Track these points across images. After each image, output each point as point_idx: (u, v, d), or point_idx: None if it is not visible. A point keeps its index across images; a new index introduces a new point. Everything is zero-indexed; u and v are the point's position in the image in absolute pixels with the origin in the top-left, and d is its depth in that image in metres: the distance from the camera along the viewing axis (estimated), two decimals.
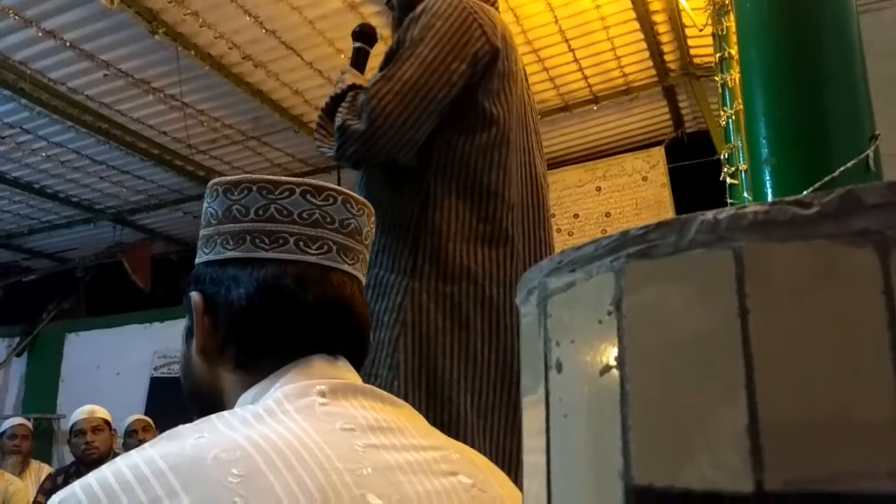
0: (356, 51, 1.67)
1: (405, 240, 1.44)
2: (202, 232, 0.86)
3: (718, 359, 0.32)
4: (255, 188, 0.81)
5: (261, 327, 0.79)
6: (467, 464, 0.75)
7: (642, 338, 0.35)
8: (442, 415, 1.34)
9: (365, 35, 1.68)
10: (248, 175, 0.84)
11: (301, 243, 0.80)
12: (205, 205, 0.86)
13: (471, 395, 1.38)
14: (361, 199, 0.86)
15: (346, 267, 0.83)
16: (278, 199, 0.80)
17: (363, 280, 0.87)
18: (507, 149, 1.50)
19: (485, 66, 1.48)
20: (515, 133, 1.53)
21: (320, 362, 0.78)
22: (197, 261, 0.86)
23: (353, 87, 1.50)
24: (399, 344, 1.38)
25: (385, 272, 1.44)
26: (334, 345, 0.81)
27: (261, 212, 0.80)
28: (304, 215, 0.81)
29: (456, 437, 1.32)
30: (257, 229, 0.80)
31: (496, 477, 0.78)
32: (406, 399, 1.32)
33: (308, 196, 0.81)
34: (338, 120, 1.44)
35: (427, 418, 1.33)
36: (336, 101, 1.51)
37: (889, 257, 0.30)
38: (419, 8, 1.49)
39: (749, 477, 0.30)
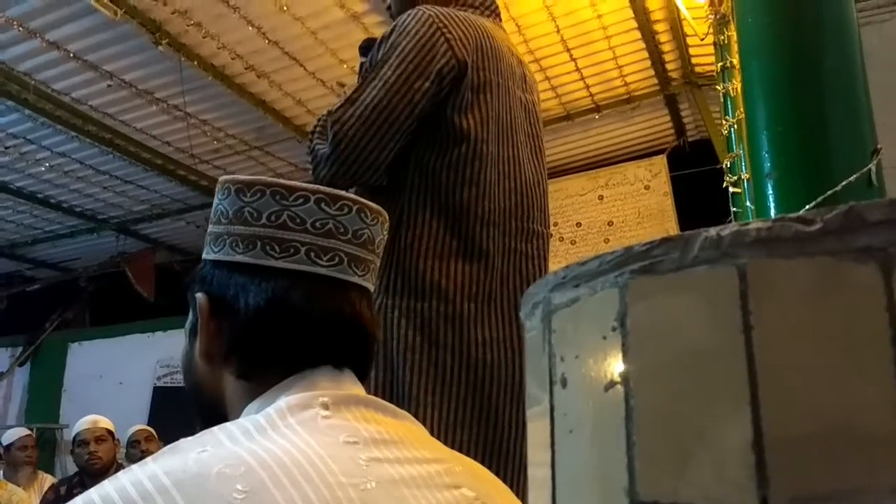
0: (362, 66, 1.68)
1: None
2: (211, 228, 0.84)
3: (723, 374, 0.32)
4: (268, 192, 0.79)
5: (267, 341, 0.78)
6: (470, 476, 0.75)
7: (647, 353, 0.35)
8: None
9: (370, 50, 1.69)
10: (261, 177, 0.82)
11: (312, 254, 0.78)
12: (215, 201, 0.84)
13: (437, 411, 1.37)
14: (376, 207, 0.85)
15: (355, 279, 0.81)
16: (292, 206, 0.79)
17: (372, 289, 0.86)
18: (479, 163, 1.48)
19: (451, 81, 1.46)
20: (494, 146, 1.51)
21: (325, 375, 0.77)
22: (204, 256, 0.84)
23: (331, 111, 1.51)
24: None
25: None
26: (340, 358, 0.80)
27: (273, 217, 0.78)
28: (318, 225, 0.79)
29: None
30: (268, 236, 0.78)
31: (498, 489, 0.78)
32: None
33: (322, 205, 0.79)
34: (312, 143, 1.46)
35: None
36: (319, 122, 1.51)
37: (892, 274, 0.30)
38: (392, 26, 1.49)
39: (753, 492, 0.31)
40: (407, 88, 1.42)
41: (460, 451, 1.38)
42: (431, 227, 1.45)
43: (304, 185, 0.80)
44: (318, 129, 1.47)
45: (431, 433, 1.34)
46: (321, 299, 0.79)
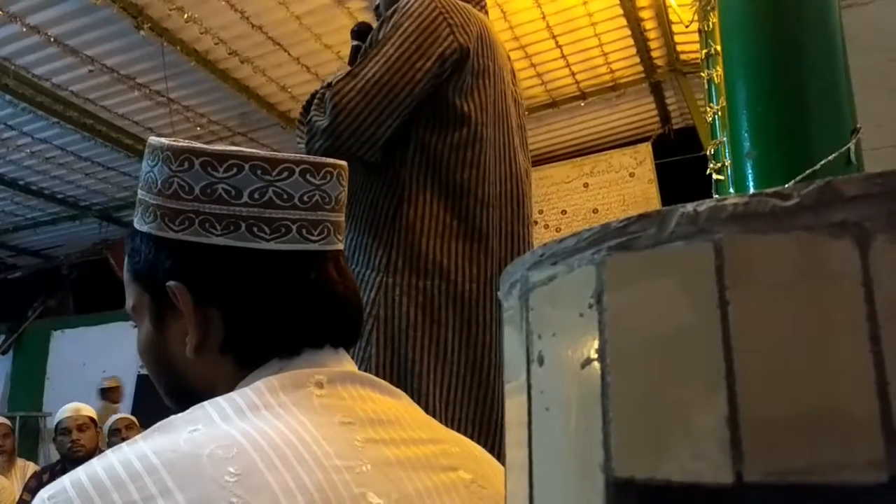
0: (354, 49, 1.69)
1: (380, 237, 1.47)
2: (163, 201, 0.74)
3: (699, 350, 0.32)
4: (247, 167, 0.71)
5: (268, 327, 0.73)
6: (467, 458, 0.73)
7: (623, 330, 0.35)
8: None
9: (363, 33, 1.71)
10: (233, 148, 0.74)
11: (304, 230, 0.73)
12: (164, 170, 0.74)
13: (439, 388, 1.41)
14: (344, 164, 0.79)
15: (339, 246, 0.78)
16: (276, 181, 0.72)
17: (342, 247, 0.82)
18: (480, 146, 1.52)
19: (453, 63, 1.49)
20: (491, 130, 1.56)
21: (326, 355, 0.75)
22: (156, 232, 0.74)
23: (329, 84, 1.52)
24: (371, 338, 1.41)
25: (361, 268, 1.47)
26: (338, 335, 0.77)
27: (256, 195, 0.71)
28: (305, 198, 0.73)
29: None
30: (254, 216, 0.71)
31: (494, 471, 0.76)
32: None
33: (308, 176, 0.73)
34: (309, 116, 1.46)
35: None
36: (314, 97, 1.53)
37: (868, 249, 0.30)
38: (393, 7, 1.52)
39: (728, 468, 0.30)
40: (409, 67, 1.44)
41: (457, 428, 1.41)
42: (433, 206, 1.48)
43: (287, 155, 0.75)
44: (315, 100, 1.48)
45: (432, 409, 1.37)
46: (317, 277, 0.75)
